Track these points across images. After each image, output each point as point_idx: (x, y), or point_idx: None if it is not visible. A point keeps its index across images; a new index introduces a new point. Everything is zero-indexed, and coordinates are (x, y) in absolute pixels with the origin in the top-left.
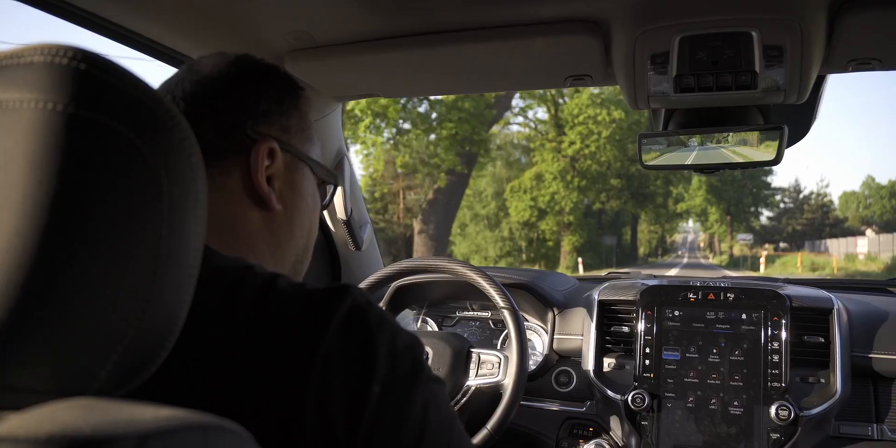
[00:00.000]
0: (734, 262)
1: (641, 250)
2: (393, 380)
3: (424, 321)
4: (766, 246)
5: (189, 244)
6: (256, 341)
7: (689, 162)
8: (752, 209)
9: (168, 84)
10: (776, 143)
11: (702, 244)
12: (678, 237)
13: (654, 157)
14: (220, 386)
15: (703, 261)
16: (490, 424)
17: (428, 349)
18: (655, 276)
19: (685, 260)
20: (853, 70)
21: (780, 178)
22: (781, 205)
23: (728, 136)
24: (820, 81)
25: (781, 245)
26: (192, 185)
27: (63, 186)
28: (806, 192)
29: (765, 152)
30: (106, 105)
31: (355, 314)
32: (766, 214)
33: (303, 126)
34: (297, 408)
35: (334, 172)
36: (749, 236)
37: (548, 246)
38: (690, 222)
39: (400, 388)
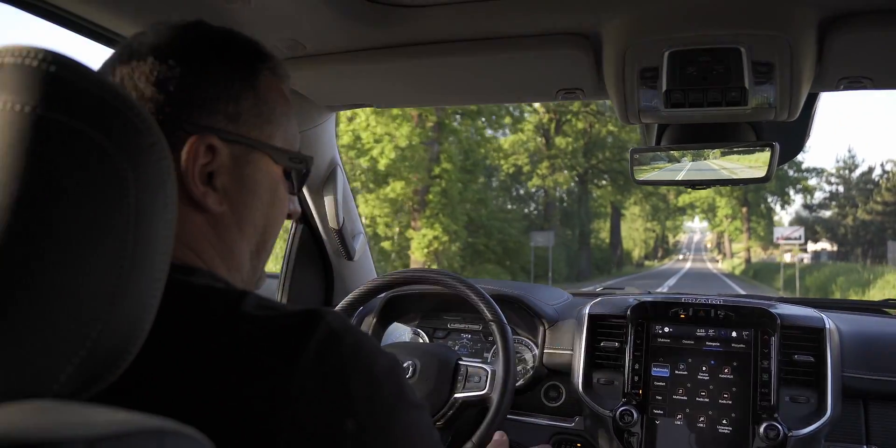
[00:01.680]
0: (755, 271)
1: (636, 252)
2: (371, 413)
3: (416, 333)
4: (791, 246)
5: (156, 248)
6: (222, 372)
7: (679, 177)
8: (775, 199)
9: (104, 67)
10: (767, 160)
11: (708, 245)
12: (683, 237)
13: (645, 172)
14: (186, 409)
15: (710, 266)
16: (475, 437)
17: (416, 361)
18: (650, 292)
19: (688, 264)
20: (844, 88)
21: (815, 156)
22: (828, 187)
23: (720, 152)
24: (812, 100)
25: (814, 248)
26: (162, 189)
27: (28, 188)
28: (864, 168)
29: (756, 169)
30: (74, 107)
31: (330, 343)
32: (798, 202)
33: (260, 109)
34: (266, 443)
35: (304, 155)
36: (798, 230)
37: (383, 249)
38: (697, 220)
39: (378, 420)
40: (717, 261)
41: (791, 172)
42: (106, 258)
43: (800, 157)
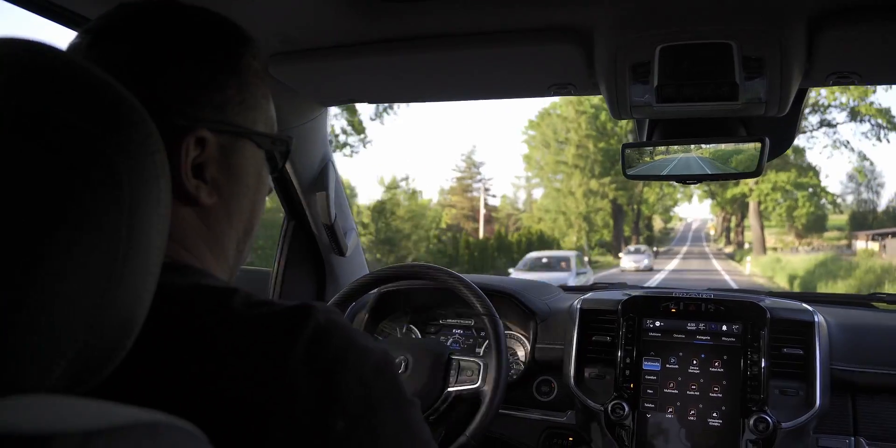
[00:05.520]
0: None
1: (570, 239)
2: (360, 411)
3: (409, 328)
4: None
5: (150, 242)
6: (214, 370)
7: (670, 172)
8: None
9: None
10: (757, 155)
11: (711, 232)
12: (679, 224)
13: (636, 167)
14: (179, 406)
15: (723, 273)
16: (468, 431)
17: (408, 355)
18: (641, 287)
19: (670, 268)
20: (833, 84)
21: None
22: None
23: (710, 147)
24: (802, 95)
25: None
26: (155, 182)
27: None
28: None
29: (746, 163)
30: (66, 100)
31: (319, 339)
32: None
33: (244, 96)
34: (256, 439)
35: (284, 137)
36: None
37: None
38: (696, 201)
39: (368, 418)
40: (735, 259)
41: None
42: (100, 252)
43: None
